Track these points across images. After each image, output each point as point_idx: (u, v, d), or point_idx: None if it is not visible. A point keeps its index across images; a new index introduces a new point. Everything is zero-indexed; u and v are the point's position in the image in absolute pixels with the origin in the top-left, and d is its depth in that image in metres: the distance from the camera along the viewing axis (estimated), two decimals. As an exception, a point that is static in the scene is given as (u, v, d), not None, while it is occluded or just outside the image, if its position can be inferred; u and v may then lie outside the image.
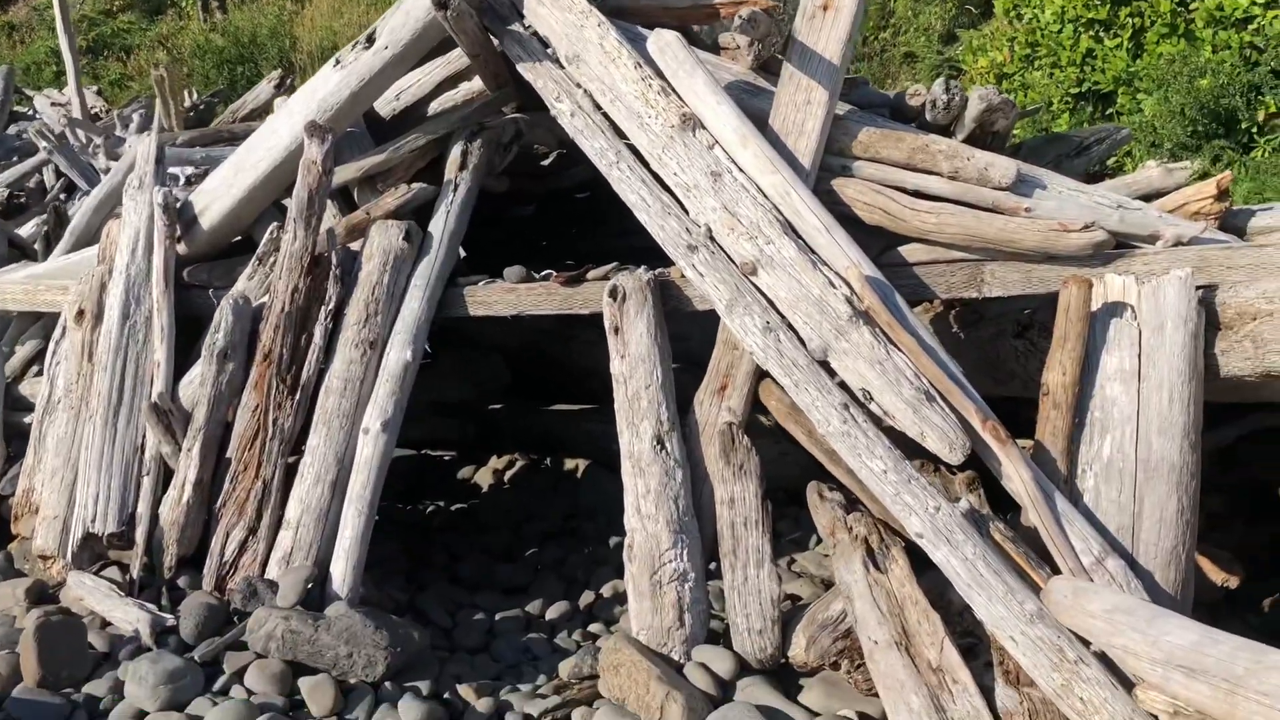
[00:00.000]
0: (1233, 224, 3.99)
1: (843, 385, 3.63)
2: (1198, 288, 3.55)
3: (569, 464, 6.22)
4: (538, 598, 4.70)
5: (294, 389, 4.19)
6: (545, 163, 6.44)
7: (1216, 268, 3.63)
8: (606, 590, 4.76)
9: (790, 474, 4.91)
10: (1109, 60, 8.21)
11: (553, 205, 6.86)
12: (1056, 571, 3.36)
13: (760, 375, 3.97)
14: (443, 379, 6.49)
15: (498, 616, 4.51)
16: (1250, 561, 4.58)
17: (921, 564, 3.54)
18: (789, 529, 5.30)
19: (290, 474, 4.20)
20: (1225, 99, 7.26)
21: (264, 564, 4.12)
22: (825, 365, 3.64)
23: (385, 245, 4.30)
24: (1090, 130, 4.98)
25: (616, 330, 4.01)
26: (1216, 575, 4.22)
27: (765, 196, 3.82)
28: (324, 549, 4.08)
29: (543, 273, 4.44)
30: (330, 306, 4.25)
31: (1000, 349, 4.53)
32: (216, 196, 4.62)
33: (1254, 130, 7.43)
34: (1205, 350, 3.55)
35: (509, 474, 6.21)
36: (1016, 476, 3.39)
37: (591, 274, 4.25)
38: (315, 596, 3.99)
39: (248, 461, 4.18)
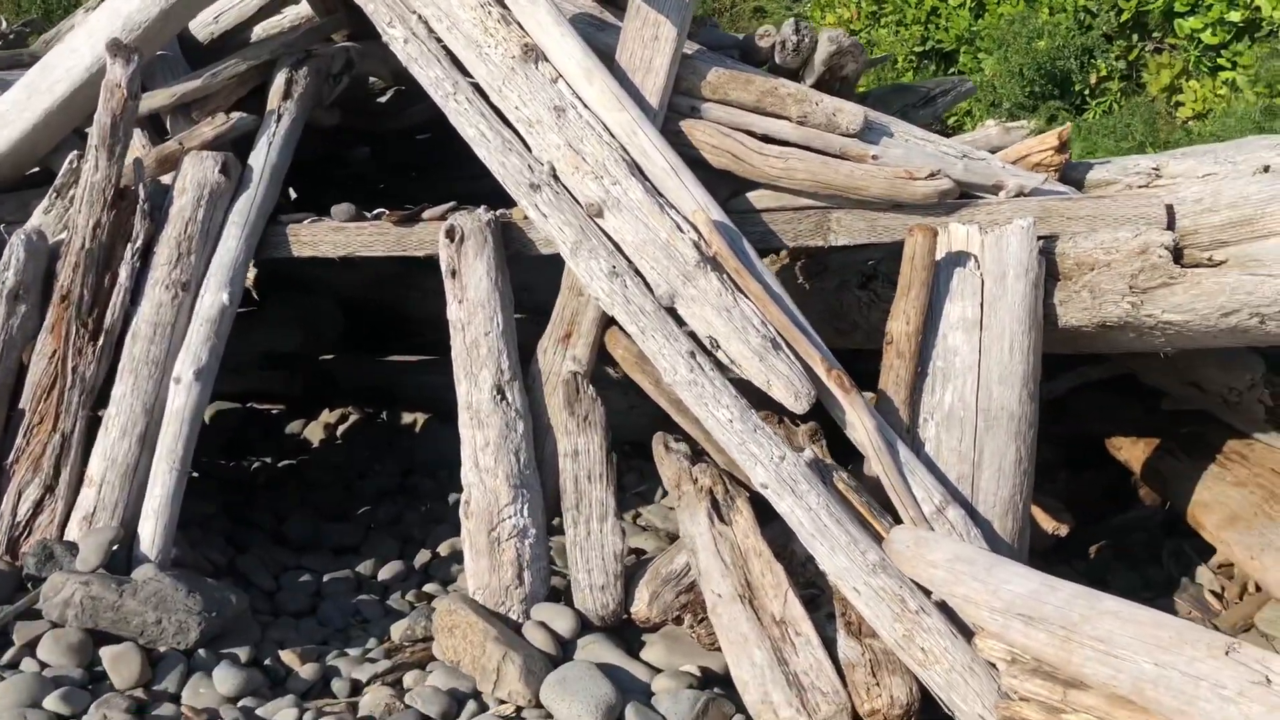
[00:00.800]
0: (1072, 177, 4.03)
1: (690, 333, 3.51)
2: (1039, 238, 3.56)
3: (407, 418, 5.96)
4: (370, 558, 4.46)
5: (96, 334, 3.82)
6: (382, 100, 6.10)
7: (1057, 218, 3.65)
8: (444, 549, 4.56)
9: (638, 425, 4.80)
10: (952, 19, 8.33)
11: (391, 147, 6.53)
12: (899, 521, 3.34)
13: (607, 323, 3.82)
14: (271, 327, 6.13)
15: (326, 578, 4.26)
16: (1079, 510, 4.71)
17: (766, 516, 3.48)
18: (634, 482, 5.20)
19: (94, 427, 3.84)
20: (1061, 61, 7.44)
21: (63, 525, 3.76)
22: (672, 312, 3.52)
23: (200, 178, 3.95)
24: (935, 81, 4.99)
25: (454, 274, 3.79)
26: (1048, 524, 4.30)
27: (611, 135, 3.65)
28: (131, 508, 3.75)
29: (374, 211, 4.17)
30: (138, 244, 3.89)
31: (844, 299, 4.51)
32: (7, 121, 4.16)
33: (1086, 92, 7.66)
34: (1044, 300, 3.58)
35: (341, 428, 5.91)
36: (860, 425, 3.34)
37: (427, 213, 4.01)
38: (121, 560, 3.67)
39: (44, 413, 3.80)
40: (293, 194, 6.72)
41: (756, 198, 3.86)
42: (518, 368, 3.79)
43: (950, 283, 3.54)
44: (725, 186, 3.87)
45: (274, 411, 6.13)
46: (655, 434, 3.83)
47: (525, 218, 3.83)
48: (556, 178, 3.67)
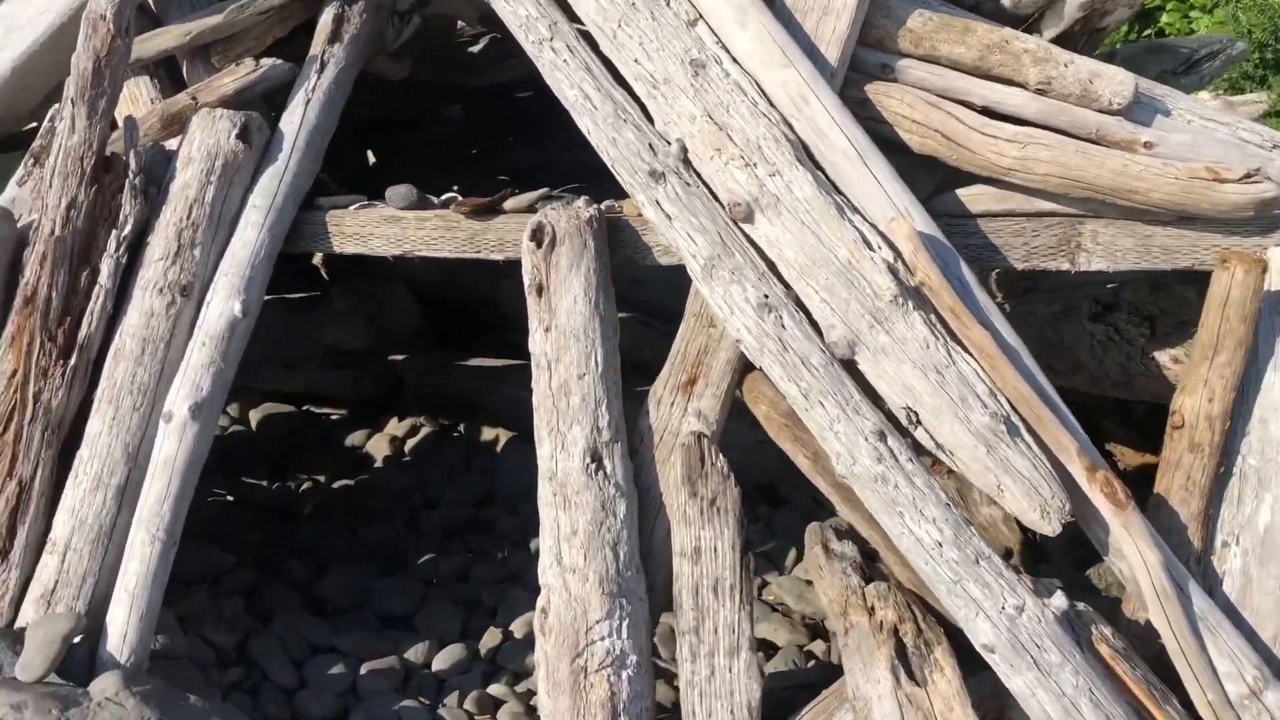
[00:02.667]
0: None
1: (878, 400, 2.41)
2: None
3: (487, 434, 4.96)
4: (424, 636, 3.48)
5: (68, 350, 2.88)
6: (475, 49, 5.08)
7: None
8: (518, 627, 3.55)
9: (766, 466, 3.76)
10: (1157, -32, 6.92)
11: (486, 104, 5.54)
12: (1187, 703, 2.21)
13: (748, 364, 2.73)
14: (335, 319, 5.20)
15: (364, 669, 3.29)
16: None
17: (966, 654, 2.39)
18: (760, 537, 4.11)
19: (65, 472, 2.92)
20: (1304, 21, 6.04)
21: (17, 602, 2.85)
22: (852, 367, 2.41)
23: (210, 146, 2.96)
24: (1197, 40, 3.73)
25: (540, 290, 2.74)
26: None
27: (770, 103, 2.54)
28: (104, 585, 2.82)
29: (443, 196, 3.14)
30: (125, 232, 2.92)
31: (1065, 332, 3.40)
32: (-20, 63, 3.24)
33: (1331, 62, 6.24)
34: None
35: (410, 443, 4.95)
36: (1137, 557, 2.20)
37: (510, 202, 2.95)
38: (83, 658, 2.74)
39: (0, 451, 2.89)
40: (371, 157, 5.84)
41: (972, 197, 2.71)
42: (621, 423, 2.73)
43: (1276, 342, 2.36)
44: (926, 180, 2.73)
45: (334, 417, 5.20)
46: (810, 525, 2.74)
47: (640, 214, 2.76)
48: (688, 163, 2.59)
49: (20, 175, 3.20)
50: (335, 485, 4.65)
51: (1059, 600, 2.19)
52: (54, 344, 2.87)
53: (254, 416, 5.07)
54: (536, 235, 2.72)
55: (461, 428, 5.05)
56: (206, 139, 2.96)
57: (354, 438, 5.00)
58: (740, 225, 2.52)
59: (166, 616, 2.98)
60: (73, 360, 2.89)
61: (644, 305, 4.45)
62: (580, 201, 2.82)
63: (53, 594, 2.81)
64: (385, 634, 3.52)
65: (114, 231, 2.92)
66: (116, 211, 2.92)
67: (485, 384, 5.01)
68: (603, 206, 2.83)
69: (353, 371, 5.18)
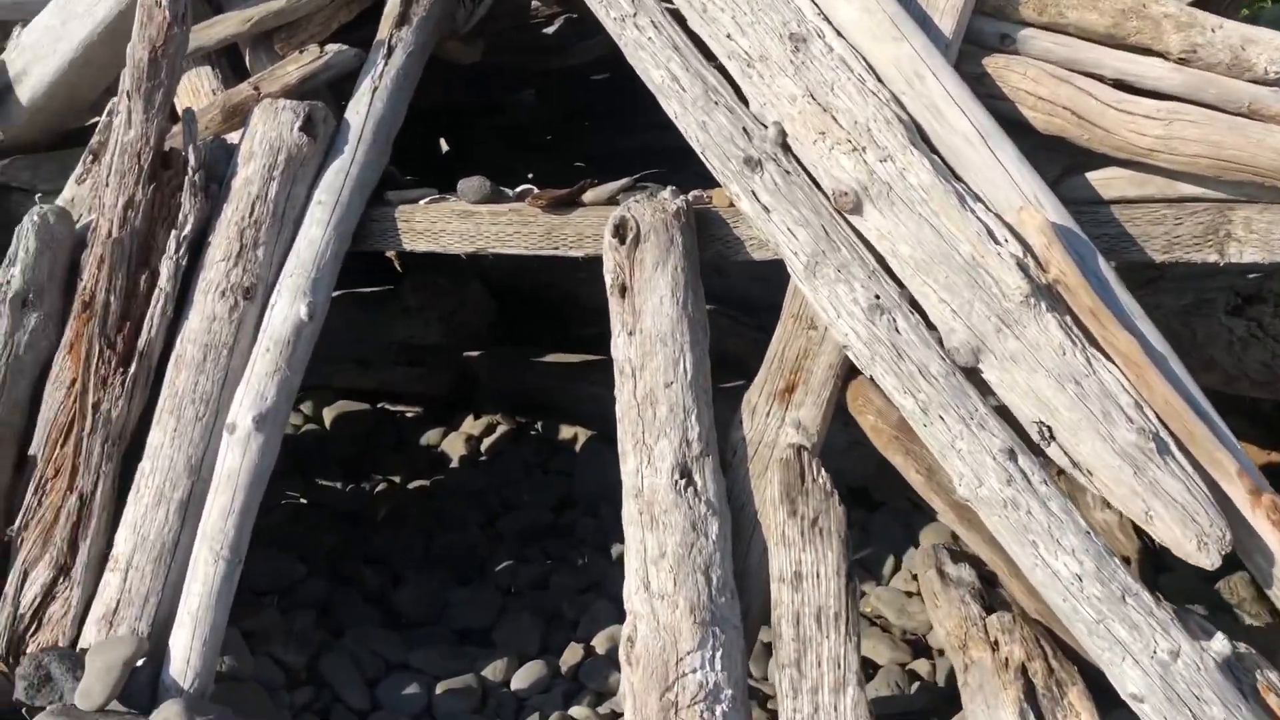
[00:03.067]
0: None
1: (997, 406, 2.15)
2: None
3: (565, 432, 4.78)
4: (502, 651, 3.31)
5: (128, 357, 2.74)
6: (549, 30, 4.89)
7: None
8: (600, 642, 3.36)
9: (863, 470, 3.54)
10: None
11: (560, 90, 5.36)
12: (1368, 761, 1.92)
13: (849, 371, 2.49)
14: (407, 315, 5.05)
15: (440, 689, 3.12)
16: None
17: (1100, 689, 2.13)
18: (855, 544, 3.84)
19: (127, 485, 2.78)
20: None
21: (80, 620, 2.72)
22: (974, 375, 2.16)
23: (273, 139, 2.79)
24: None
25: (624, 290, 2.52)
26: None
27: (879, 80, 2.28)
28: (167, 604, 2.68)
29: (518, 189, 2.94)
30: (185, 232, 2.77)
31: (1199, 326, 3.12)
32: (39, 56, 3.11)
33: None
34: None
35: (486, 442, 4.78)
36: (1311, 594, 1.92)
37: (589, 195, 2.74)
38: (146, 682, 2.60)
39: (60, 464, 2.76)
40: (444, 145, 5.70)
41: (1104, 181, 2.43)
42: (712, 435, 2.51)
43: None
44: (1052, 163, 2.45)
45: (408, 415, 5.05)
46: (924, 548, 2.50)
47: (732, 205, 2.53)
48: (788, 148, 2.34)
49: (79, 173, 3.07)
50: (410, 486, 4.51)
51: (1220, 644, 1.92)
52: (113, 351, 2.73)
53: (328, 415, 4.95)
54: (619, 231, 2.50)
55: (539, 426, 4.88)
56: (269, 132, 2.79)
57: (429, 436, 4.85)
58: (847, 217, 2.27)
59: (234, 634, 2.83)
60: (133, 368, 2.74)
61: (723, 294, 4.23)
62: (666, 192, 2.60)
63: (115, 614, 2.68)
64: (462, 649, 3.35)
65: (173, 231, 2.76)
66: (176, 210, 2.77)
67: (562, 381, 4.83)
68: (690, 197, 2.60)
69: (425, 368, 5.03)
